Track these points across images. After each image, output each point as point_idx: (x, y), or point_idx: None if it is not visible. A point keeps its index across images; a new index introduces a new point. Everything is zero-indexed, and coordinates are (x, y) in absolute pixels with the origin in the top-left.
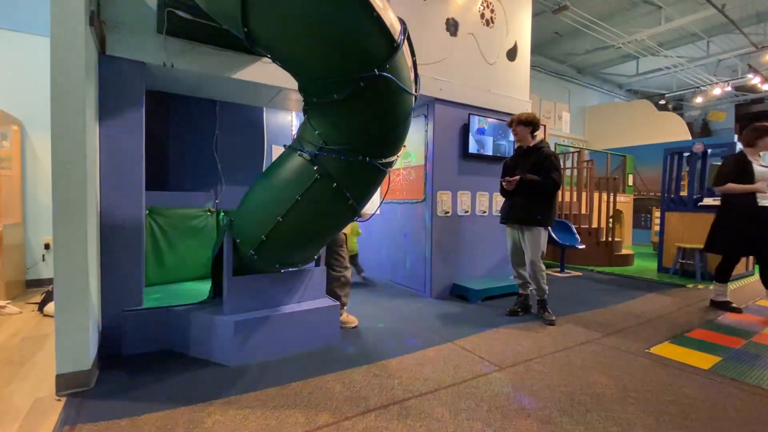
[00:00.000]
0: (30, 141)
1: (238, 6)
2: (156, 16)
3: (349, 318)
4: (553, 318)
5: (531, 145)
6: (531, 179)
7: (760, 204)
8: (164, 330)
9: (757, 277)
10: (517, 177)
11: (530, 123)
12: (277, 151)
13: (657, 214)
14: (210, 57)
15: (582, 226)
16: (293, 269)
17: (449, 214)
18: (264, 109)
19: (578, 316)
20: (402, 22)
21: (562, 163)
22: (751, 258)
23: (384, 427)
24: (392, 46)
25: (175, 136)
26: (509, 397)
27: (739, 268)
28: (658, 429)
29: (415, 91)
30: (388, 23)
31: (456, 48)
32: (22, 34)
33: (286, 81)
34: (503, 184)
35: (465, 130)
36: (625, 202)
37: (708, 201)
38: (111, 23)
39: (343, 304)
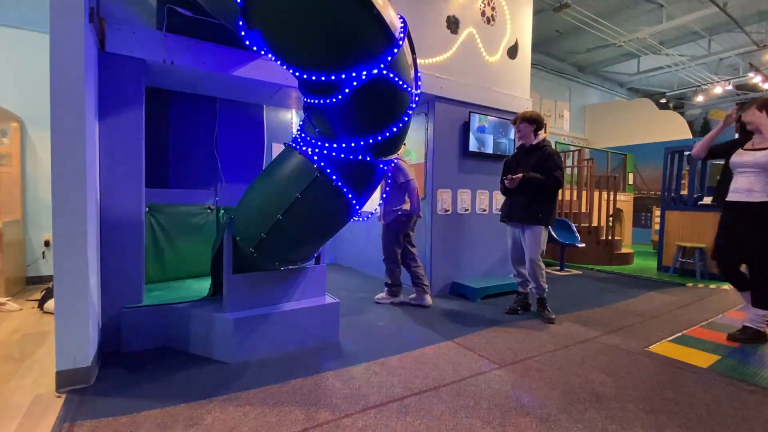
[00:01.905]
0: (30, 138)
1: (238, 4)
2: (156, 12)
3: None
4: (553, 316)
5: (533, 143)
6: (534, 177)
7: (728, 198)
8: (164, 327)
9: None
10: (520, 175)
11: (535, 121)
12: (277, 148)
13: (657, 212)
14: (210, 54)
15: (582, 225)
16: (293, 267)
17: (449, 213)
18: (264, 106)
19: (578, 315)
20: (402, 19)
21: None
22: None
23: (384, 424)
24: (392, 44)
25: (175, 134)
26: (508, 395)
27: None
28: (656, 427)
29: (415, 89)
30: (388, 21)
31: (457, 46)
32: (22, 30)
33: (287, 79)
34: (505, 182)
35: (465, 128)
36: (625, 200)
37: (708, 200)
38: (111, 20)
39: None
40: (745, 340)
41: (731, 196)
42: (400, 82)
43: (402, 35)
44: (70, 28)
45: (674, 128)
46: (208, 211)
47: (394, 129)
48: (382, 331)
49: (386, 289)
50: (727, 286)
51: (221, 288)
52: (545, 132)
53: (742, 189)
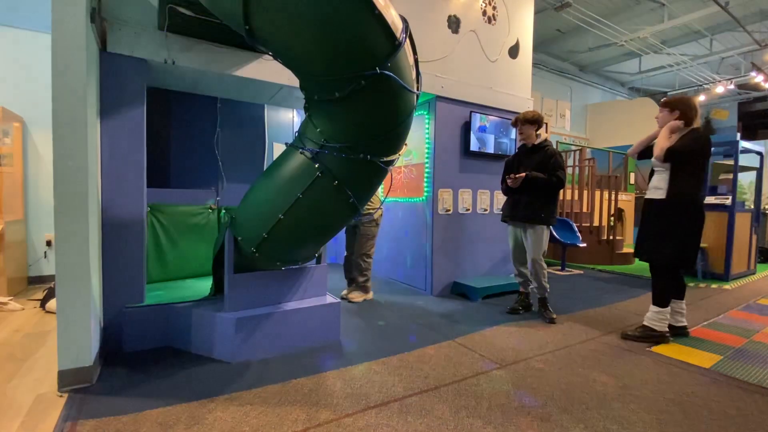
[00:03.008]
0: (32, 138)
1: (240, 4)
2: (157, 12)
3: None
4: (554, 316)
5: (535, 143)
6: (537, 176)
7: (646, 196)
8: (166, 327)
9: (759, 275)
10: (523, 174)
11: (536, 121)
12: (279, 148)
13: None
14: (211, 54)
15: (583, 225)
16: (294, 267)
17: (450, 212)
18: (265, 106)
19: (579, 315)
20: (403, 19)
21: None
22: (753, 256)
23: (384, 424)
24: (394, 44)
25: (176, 133)
26: (509, 395)
27: (740, 266)
28: (658, 427)
29: (417, 89)
30: (389, 21)
31: (458, 45)
32: (24, 30)
33: (288, 78)
34: (508, 181)
35: (466, 127)
36: (626, 200)
37: (710, 199)
38: (112, 20)
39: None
40: (637, 338)
41: (646, 194)
42: (402, 82)
43: (403, 35)
44: (71, 28)
45: None
46: (210, 210)
47: (396, 129)
48: (382, 331)
49: (354, 285)
50: (728, 286)
51: (223, 287)
52: (546, 131)
53: (652, 186)
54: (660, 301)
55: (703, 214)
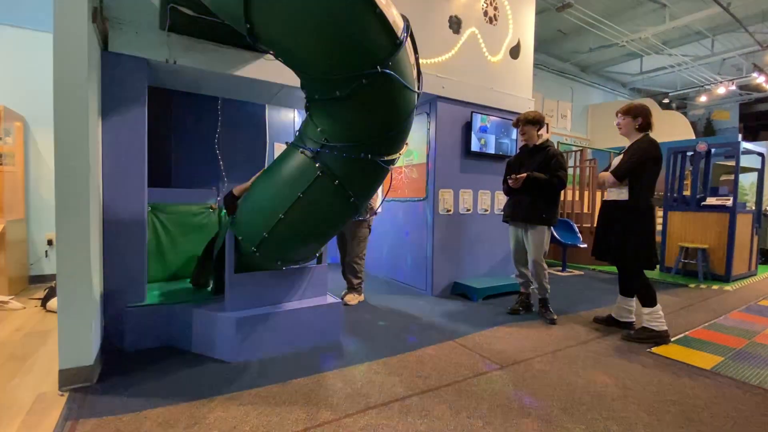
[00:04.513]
0: (33, 137)
1: (241, 2)
2: (159, 12)
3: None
4: (555, 317)
5: (537, 144)
6: (538, 177)
7: (604, 198)
8: (166, 326)
9: (760, 276)
10: (525, 174)
11: (537, 122)
12: (279, 148)
13: (660, 213)
14: (212, 53)
15: (584, 225)
16: (295, 266)
17: (451, 213)
18: (266, 106)
19: (580, 315)
20: (405, 19)
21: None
22: (754, 257)
23: (385, 424)
24: (395, 44)
25: (177, 133)
26: (510, 396)
27: (742, 267)
28: (659, 428)
29: (418, 89)
30: (390, 20)
31: (459, 45)
32: (25, 30)
33: (289, 78)
34: (510, 181)
35: (467, 128)
36: None
37: (711, 200)
38: (114, 20)
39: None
40: (637, 339)
41: (609, 196)
42: (403, 82)
43: (405, 35)
44: (73, 28)
45: (677, 129)
46: (210, 210)
47: (396, 128)
48: (383, 331)
49: (349, 288)
50: (729, 287)
51: (223, 287)
52: (547, 131)
53: (610, 189)
54: (645, 301)
55: (653, 215)
